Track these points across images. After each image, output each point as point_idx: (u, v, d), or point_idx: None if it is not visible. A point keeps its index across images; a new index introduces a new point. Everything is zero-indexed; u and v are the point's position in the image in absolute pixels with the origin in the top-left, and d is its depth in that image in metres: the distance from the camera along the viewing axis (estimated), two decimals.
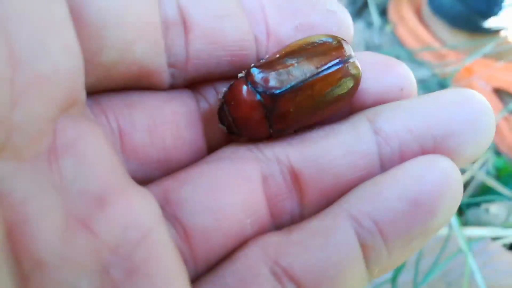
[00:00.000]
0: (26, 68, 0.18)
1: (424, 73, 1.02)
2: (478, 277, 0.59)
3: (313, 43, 0.26)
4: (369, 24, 1.06)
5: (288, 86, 0.25)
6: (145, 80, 0.25)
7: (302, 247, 0.23)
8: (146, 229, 0.21)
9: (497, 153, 0.89)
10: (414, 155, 0.25)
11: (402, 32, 0.99)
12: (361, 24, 1.06)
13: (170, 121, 0.25)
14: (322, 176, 0.25)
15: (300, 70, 0.25)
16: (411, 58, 1.03)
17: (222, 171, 0.25)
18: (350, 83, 0.26)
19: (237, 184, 0.24)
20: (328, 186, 0.25)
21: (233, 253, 0.24)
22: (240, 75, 0.26)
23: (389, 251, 0.23)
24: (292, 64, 0.25)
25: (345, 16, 0.27)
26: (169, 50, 0.25)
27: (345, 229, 0.23)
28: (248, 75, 0.25)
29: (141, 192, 0.22)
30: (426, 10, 0.97)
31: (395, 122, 0.25)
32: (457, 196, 0.24)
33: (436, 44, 0.93)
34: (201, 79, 0.27)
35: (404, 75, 0.26)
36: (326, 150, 0.25)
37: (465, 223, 0.74)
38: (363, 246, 0.23)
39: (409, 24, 0.97)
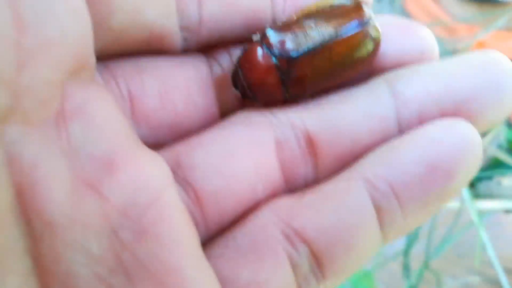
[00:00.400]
0: (33, 31, 0.17)
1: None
2: (490, 249, 0.59)
3: (331, 5, 0.25)
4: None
5: (305, 48, 0.24)
6: (157, 44, 0.24)
7: (314, 210, 0.23)
8: (156, 191, 0.20)
9: (509, 125, 0.89)
10: (434, 118, 0.24)
11: (412, 6, 0.98)
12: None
13: (182, 86, 0.25)
14: (338, 140, 0.24)
15: (318, 33, 0.24)
16: None
17: (235, 135, 0.24)
18: (370, 46, 0.25)
19: (250, 149, 0.24)
20: (344, 151, 0.24)
21: (245, 216, 0.23)
22: (255, 37, 0.25)
23: (404, 214, 0.23)
24: (309, 26, 0.24)
25: None
26: (182, 13, 0.24)
27: (359, 192, 0.23)
28: (263, 37, 0.24)
29: (151, 155, 0.22)
30: None
31: (415, 85, 0.24)
32: (476, 161, 0.23)
33: (447, 18, 0.92)
34: (215, 43, 0.26)
35: (426, 38, 0.25)
36: (343, 114, 0.24)
37: (477, 196, 0.74)
38: (378, 209, 0.23)
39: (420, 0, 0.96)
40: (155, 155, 0.22)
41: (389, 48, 0.25)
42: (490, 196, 0.74)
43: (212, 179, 0.23)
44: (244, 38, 0.26)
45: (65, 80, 0.19)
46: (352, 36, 0.24)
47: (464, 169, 0.22)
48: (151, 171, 0.21)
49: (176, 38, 0.24)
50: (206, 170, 0.23)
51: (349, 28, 0.24)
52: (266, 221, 0.23)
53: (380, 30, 0.25)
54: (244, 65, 0.25)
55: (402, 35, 0.25)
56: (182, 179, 0.23)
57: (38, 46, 0.18)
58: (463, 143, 0.22)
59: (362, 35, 0.24)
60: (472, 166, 0.23)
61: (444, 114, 0.24)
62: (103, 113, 0.20)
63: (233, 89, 0.26)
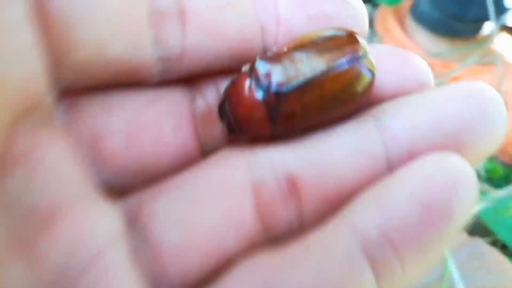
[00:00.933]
0: None
1: None
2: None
3: (325, 37, 0.23)
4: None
5: (295, 83, 0.22)
6: (129, 77, 0.22)
7: (296, 267, 0.20)
8: (97, 250, 0.18)
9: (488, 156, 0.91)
10: (425, 153, 0.22)
11: (390, 43, 1.02)
12: None
13: (152, 125, 0.23)
14: (323, 180, 0.22)
15: (309, 67, 0.23)
16: None
17: (205, 180, 0.22)
18: (364, 82, 0.23)
19: (221, 195, 0.22)
20: (329, 192, 0.22)
21: (214, 276, 0.21)
22: (244, 68, 0.24)
23: (402, 264, 0.20)
24: (301, 60, 0.23)
25: (361, 7, 0.25)
26: (162, 43, 0.22)
27: (348, 244, 0.21)
28: (252, 69, 0.23)
29: (101, 207, 0.20)
30: (409, 20, 1.00)
31: (403, 119, 0.23)
32: (472, 195, 0.21)
33: (421, 54, 0.96)
34: (200, 74, 0.24)
35: (423, 68, 0.24)
36: (327, 152, 0.23)
37: None
38: (372, 261, 0.20)
39: (395, 36, 1.00)
40: (106, 206, 0.20)
41: (387, 79, 0.24)
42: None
43: (172, 231, 0.21)
44: (232, 68, 0.24)
45: (11, 124, 0.18)
46: (345, 72, 0.23)
47: (461, 206, 0.21)
48: (95, 226, 0.19)
49: (152, 71, 0.23)
50: (166, 221, 0.21)
51: (342, 63, 0.23)
52: (238, 284, 0.20)
53: (374, 65, 0.24)
54: (231, 97, 0.23)
55: (400, 65, 0.24)
56: (140, 231, 0.21)
57: None
58: (457, 178, 0.21)
59: (356, 71, 0.23)
60: (469, 202, 0.21)
61: (435, 147, 0.22)
62: (50, 161, 0.19)
63: (219, 123, 0.24)
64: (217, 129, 0.24)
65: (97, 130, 0.22)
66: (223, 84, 0.25)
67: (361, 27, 0.25)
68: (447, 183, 0.21)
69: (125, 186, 0.22)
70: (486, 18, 0.74)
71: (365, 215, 0.21)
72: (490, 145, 0.23)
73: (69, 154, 0.20)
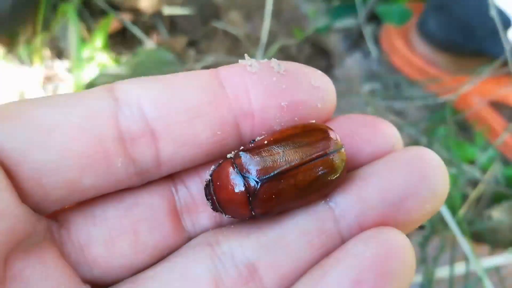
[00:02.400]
0: None
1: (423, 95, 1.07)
2: None
3: (301, 132, 0.27)
4: (367, 54, 1.11)
5: (272, 174, 0.26)
6: (109, 190, 0.26)
7: None
8: None
9: (505, 163, 0.92)
10: (374, 224, 0.25)
11: (396, 60, 1.04)
12: (358, 55, 1.12)
13: (129, 231, 0.27)
14: (279, 262, 0.26)
15: (285, 159, 0.26)
16: (409, 84, 1.07)
17: (171, 273, 0.26)
18: (334, 175, 0.26)
19: (183, 287, 0.25)
20: (287, 270, 0.26)
21: None
22: (229, 155, 0.27)
23: None
24: (278, 152, 0.26)
25: (329, 89, 0.28)
26: (136, 162, 0.26)
27: None
28: (236, 157, 0.26)
29: None
30: (414, 36, 1.02)
31: (351, 194, 0.26)
32: (405, 266, 0.24)
33: (428, 68, 0.98)
34: (180, 171, 0.28)
35: (392, 133, 0.27)
36: (282, 235, 0.26)
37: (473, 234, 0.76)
38: None
39: (400, 53, 1.02)
40: None
41: (362, 147, 0.27)
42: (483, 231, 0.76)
43: None
44: (211, 160, 0.27)
45: (6, 255, 0.22)
46: (317, 164, 0.26)
47: (393, 279, 0.24)
48: None
49: (130, 182, 0.26)
50: None
51: (315, 157, 0.26)
52: None
53: (345, 158, 0.27)
54: (216, 180, 0.27)
55: (372, 133, 0.27)
56: None
57: None
58: (387, 253, 0.24)
59: (327, 164, 0.26)
60: (403, 273, 0.24)
61: (382, 217, 0.25)
62: (37, 276, 0.24)
63: (202, 210, 0.28)
64: (202, 215, 0.28)
65: (82, 240, 0.26)
66: (205, 174, 0.28)
67: (330, 107, 0.28)
68: (377, 258, 0.24)
69: (111, 281, 0.27)
70: (493, 34, 0.76)
71: None
72: (434, 204, 0.26)
73: (56, 264, 0.25)
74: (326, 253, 0.26)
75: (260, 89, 0.27)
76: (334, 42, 1.14)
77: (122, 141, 0.25)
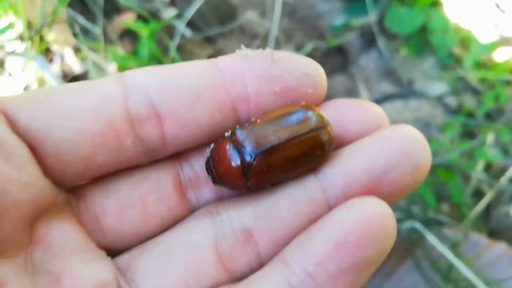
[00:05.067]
0: None
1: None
2: None
3: (290, 112, 0.30)
4: (383, 52, 1.12)
5: (264, 148, 0.29)
6: (120, 167, 0.30)
7: None
8: None
9: None
10: (358, 194, 0.28)
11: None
12: (374, 52, 1.13)
13: (138, 203, 0.30)
14: (272, 228, 0.29)
15: (275, 135, 0.29)
16: (424, 79, 1.08)
17: (176, 239, 0.30)
18: (320, 150, 0.29)
19: (187, 251, 0.29)
20: (279, 235, 0.29)
21: None
22: (226, 134, 0.30)
23: None
24: (269, 130, 0.29)
25: (320, 76, 0.31)
26: (144, 141, 0.29)
27: (277, 278, 0.27)
28: (233, 135, 0.30)
29: (97, 265, 0.28)
30: None
31: (338, 167, 0.29)
32: (385, 232, 0.27)
33: None
34: (184, 150, 0.31)
35: (379, 113, 0.30)
36: (275, 204, 0.29)
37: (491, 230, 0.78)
38: None
39: None
40: (103, 263, 0.28)
41: (349, 126, 0.30)
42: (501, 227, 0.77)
43: (150, 280, 0.29)
44: (212, 139, 0.31)
45: (31, 222, 0.26)
46: (304, 140, 0.30)
47: (373, 241, 0.26)
48: (90, 280, 0.27)
49: (139, 160, 0.30)
50: (146, 272, 0.29)
51: (302, 133, 0.30)
52: None
53: (331, 134, 0.30)
54: (214, 156, 0.30)
55: (359, 113, 0.30)
56: (129, 278, 0.29)
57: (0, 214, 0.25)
58: (367, 219, 0.27)
59: (313, 140, 0.30)
60: (382, 237, 0.27)
61: (366, 188, 0.28)
62: (59, 240, 0.27)
63: (205, 185, 0.32)
64: (205, 189, 0.32)
65: (97, 211, 0.30)
66: (208, 149, 0.31)
67: (320, 92, 0.31)
68: (358, 223, 0.27)
69: (123, 247, 0.30)
70: None
71: (293, 254, 0.28)
72: (416, 177, 0.28)
73: (74, 232, 0.28)
74: (315, 220, 0.29)
75: (255, 76, 0.30)
76: (350, 40, 1.15)
77: (131, 123, 0.28)
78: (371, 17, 1.08)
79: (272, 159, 0.29)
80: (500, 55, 1.08)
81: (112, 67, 0.91)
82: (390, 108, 1.05)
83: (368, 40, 1.14)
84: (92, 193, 0.30)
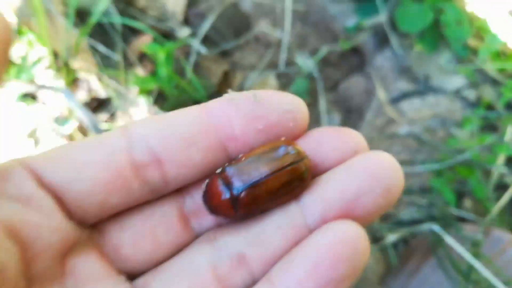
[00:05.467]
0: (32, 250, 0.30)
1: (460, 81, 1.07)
2: None
3: (270, 149, 0.34)
4: (396, 50, 1.13)
5: (248, 183, 0.34)
6: (131, 205, 0.35)
7: None
8: None
9: None
10: (335, 218, 0.32)
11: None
12: (388, 51, 1.14)
13: (149, 234, 0.35)
14: (262, 250, 0.33)
15: (258, 171, 0.34)
16: (441, 74, 1.08)
17: (181, 264, 0.34)
18: (298, 180, 0.34)
19: (189, 273, 0.34)
20: (268, 257, 0.33)
21: None
22: (217, 171, 0.35)
23: None
24: (253, 166, 0.34)
25: (300, 110, 0.34)
26: (149, 184, 0.34)
27: None
28: (222, 172, 0.34)
29: (120, 285, 0.33)
30: None
31: (316, 194, 0.33)
32: (357, 251, 0.30)
33: None
34: (185, 186, 0.36)
35: (356, 139, 0.34)
36: (263, 229, 0.34)
37: None
38: None
39: None
40: (124, 285, 0.33)
41: (328, 154, 0.34)
42: None
43: None
44: (209, 174, 0.35)
45: (62, 257, 0.31)
46: (283, 174, 0.34)
47: (346, 261, 0.30)
48: None
49: (146, 198, 0.35)
50: None
51: (281, 168, 0.34)
52: None
53: (309, 166, 0.34)
54: (208, 192, 0.35)
55: (336, 141, 0.34)
56: None
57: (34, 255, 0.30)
58: (343, 241, 0.30)
59: (291, 173, 0.34)
60: (355, 257, 0.30)
61: (341, 212, 0.32)
62: (86, 270, 0.32)
63: (205, 213, 0.36)
64: (206, 218, 0.37)
65: (115, 243, 0.35)
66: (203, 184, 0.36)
67: (301, 125, 0.35)
68: (334, 244, 0.30)
69: (139, 271, 0.35)
70: None
71: (278, 276, 0.32)
72: (388, 200, 0.32)
73: (97, 263, 0.33)
74: (298, 242, 0.33)
75: (240, 117, 0.34)
76: (364, 40, 1.16)
77: (136, 169, 0.33)
78: (382, 17, 1.08)
79: (257, 192, 0.34)
80: None
81: (133, 91, 0.96)
82: (407, 106, 1.06)
83: (381, 39, 1.14)
84: (110, 228, 0.35)
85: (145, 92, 0.96)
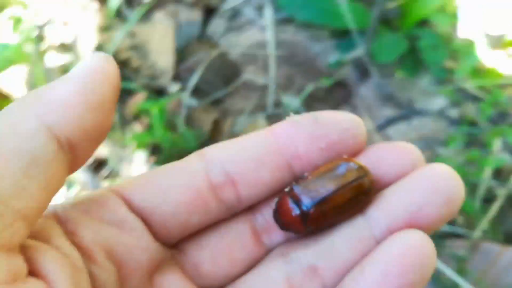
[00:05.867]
0: None
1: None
2: None
3: (334, 167, 0.36)
4: (378, 80, 1.18)
5: (316, 200, 0.36)
6: (209, 224, 0.38)
7: None
8: None
9: None
10: (400, 228, 0.33)
11: None
12: (371, 83, 1.19)
13: (225, 251, 0.38)
14: (333, 263, 0.35)
15: (324, 188, 0.36)
16: (424, 97, 1.12)
17: (257, 278, 0.37)
18: (363, 195, 0.36)
19: (266, 286, 0.36)
20: (338, 268, 0.35)
21: None
22: (286, 189, 0.37)
23: None
24: (319, 184, 0.36)
25: (358, 127, 0.36)
26: (225, 203, 0.37)
27: None
28: (291, 190, 0.37)
29: None
30: None
31: (381, 208, 0.35)
32: (425, 258, 0.32)
33: None
34: (256, 203, 0.38)
35: (413, 154, 0.36)
36: (333, 243, 0.36)
37: None
38: None
39: None
40: None
41: (388, 171, 0.36)
42: None
43: None
44: (277, 192, 0.38)
45: (152, 273, 0.35)
46: (348, 190, 0.36)
47: (415, 269, 0.32)
48: None
49: (222, 215, 0.38)
50: None
51: (346, 184, 0.36)
52: None
53: (372, 181, 0.36)
54: (278, 209, 0.38)
55: (396, 157, 0.36)
56: None
57: None
58: (410, 250, 0.32)
59: (356, 189, 0.36)
60: (423, 264, 0.32)
61: (406, 223, 0.34)
62: (171, 286, 0.35)
63: (275, 229, 0.38)
64: (276, 233, 0.39)
65: (195, 260, 0.38)
66: (273, 202, 0.40)
67: (360, 142, 0.37)
68: (403, 253, 0.32)
69: (220, 285, 0.38)
70: None
71: (349, 286, 0.34)
72: (450, 209, 0.34)
73: (181, 277, 0.37)
74: (366, 254, 0.35)
75: (303, 137, 0.36)
76: (347, 73, 1.22)
77: (214, 190, 0.36)
78: (359, 51, 1.14)
79: (324, 207, 0.36)
80: (491, 60, 1.11)
81: (129, 147, 1.02)
82: (394, 131, 1.10)
83: (363, 71, 1.19)
84: (190, 247, 0.38)
85: (142, 147, 1.03)
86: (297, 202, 0.36)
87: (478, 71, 1.10)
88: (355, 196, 0.36)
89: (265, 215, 0.39)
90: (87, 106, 0.29)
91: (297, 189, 0.37)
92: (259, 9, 1.35)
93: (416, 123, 1.10)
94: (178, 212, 0.36)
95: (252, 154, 0.37)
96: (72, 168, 0.31)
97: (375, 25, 1.07)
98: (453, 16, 1.16)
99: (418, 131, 1.08)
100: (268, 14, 1.29)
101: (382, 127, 1.11)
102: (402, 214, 0.34)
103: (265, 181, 0.37)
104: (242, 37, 1.33)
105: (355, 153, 0.37)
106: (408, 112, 1.11)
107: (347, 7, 1.11)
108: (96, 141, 0.31)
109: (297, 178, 0.38)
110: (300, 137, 0.36)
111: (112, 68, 0.30)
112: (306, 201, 0.36)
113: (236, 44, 1.32)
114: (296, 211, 0.36)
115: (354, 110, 1.19)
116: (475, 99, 1.09)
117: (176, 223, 0.36)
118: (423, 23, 1.18)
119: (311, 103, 1.22)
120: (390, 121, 1.11)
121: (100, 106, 0.29)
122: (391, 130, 1.10)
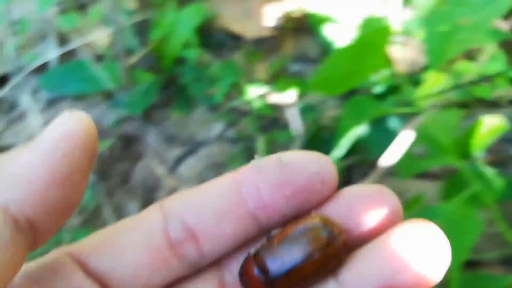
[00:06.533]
0: None
1: None
2: None
3: (303, 230, 0.33)
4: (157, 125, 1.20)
5: (282, 271, 0.33)
6: (173, 280, 0.35)
7: None
8: None
9: None
10: None
11: None
12: (153, 130, 1.20)
13: None
14: None
15: (291, 257, 0.33)
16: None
17: None
18: (335, 259, 0.33)
19: None
20: None
21: None
22: (251, 251, 0.35)
23: None
24: (286, 251, 0.33)
25: (327, 170, 0.33)
26: (186, 259, 0.34)
27: None
28: (256, 255, 0.34)
29: None
30: None
31: (354, 270, 0.32)
32: None
33: None
34: (221, 257, 0.36)
35: (390, 201, 0.33)
36: None
37: None
38: None
39: None
40: None
41: (367, 221, 0.33)
42: None
43: None
44: (242, 246, 0.36)
45: None
46: (317, 258, 0.33)
47: None
48: None
49: (186, 271, 0.35)
50: None
51: (316, 250, 0.33)
52: None
53: (345, 241, 0.33)
54: (243, 276, 0.35)
55: (372, 205, 0.33)
56: None
57: None
58: None
59: (328, 253, 0.33)
60: None
61: (381, 286, 0.31)
62: None
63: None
64: None
65: None
66: (241, 257, 0.37)
67: (330, 186, 0.34)
68: None
69: None
70: None
71: None
72: (434, 271, 0.30)
73: None
74: None
75: (268, 185, 0.34)
76: (135, 130, 1.22)
77: (174, 247, 0.34)
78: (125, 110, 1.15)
79: (292, 276, 0.33)
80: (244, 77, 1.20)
81: None
82: (185, 168, 1.13)
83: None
84: None
85: None
86: (263, 269, 0.34)
87: (238, 88, 1.18)
88: (326, 261, 0.33)
89: (233, 271, 0.36)
90: (52, 179, 0.25)
91: (263, 255, 0.34)
92: (36, 92, 1.30)
93: (203, 153, 1.14)
94: (138, 274, 0.33)
95: (213, 206, 0.34)
96: (34, 247, 0.28)
97: (127, 78, 1.09)
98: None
99: (206, 160, 1.12)
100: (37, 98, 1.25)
101: (174, 167, 1.13)
102: (377, 279, 0.31)
103: (228, 234, 0.35)
104: (24, 126, 1.27)
105: (324, 198, 0.34)
106: (192, 146, 1.15)
107: (101, 69, 1.12)
108: (62, 217, 0.28)
109: (266, 235, 0.35)
110: (265, 185, 0.34)
111: (86, 131, 0.26)
112: (273, 270, 0.34)
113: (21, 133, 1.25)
114: (262, 279, 0.34)
115: (146, 158, 1.20)
116: (245, 114, 1.17)
117: (137, 283, 0.33)
118: (181, 60, 1.24)
119: (109, 164, 1.20)
120: (180, 160, 1.14)
121: (68, 178, 0.26)
122: (182, 167, 1.13)
